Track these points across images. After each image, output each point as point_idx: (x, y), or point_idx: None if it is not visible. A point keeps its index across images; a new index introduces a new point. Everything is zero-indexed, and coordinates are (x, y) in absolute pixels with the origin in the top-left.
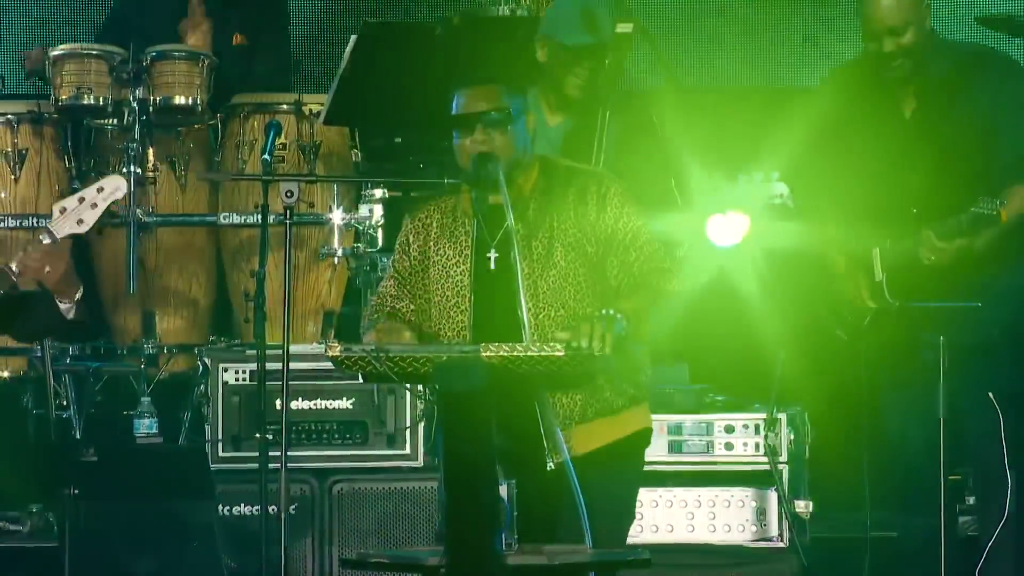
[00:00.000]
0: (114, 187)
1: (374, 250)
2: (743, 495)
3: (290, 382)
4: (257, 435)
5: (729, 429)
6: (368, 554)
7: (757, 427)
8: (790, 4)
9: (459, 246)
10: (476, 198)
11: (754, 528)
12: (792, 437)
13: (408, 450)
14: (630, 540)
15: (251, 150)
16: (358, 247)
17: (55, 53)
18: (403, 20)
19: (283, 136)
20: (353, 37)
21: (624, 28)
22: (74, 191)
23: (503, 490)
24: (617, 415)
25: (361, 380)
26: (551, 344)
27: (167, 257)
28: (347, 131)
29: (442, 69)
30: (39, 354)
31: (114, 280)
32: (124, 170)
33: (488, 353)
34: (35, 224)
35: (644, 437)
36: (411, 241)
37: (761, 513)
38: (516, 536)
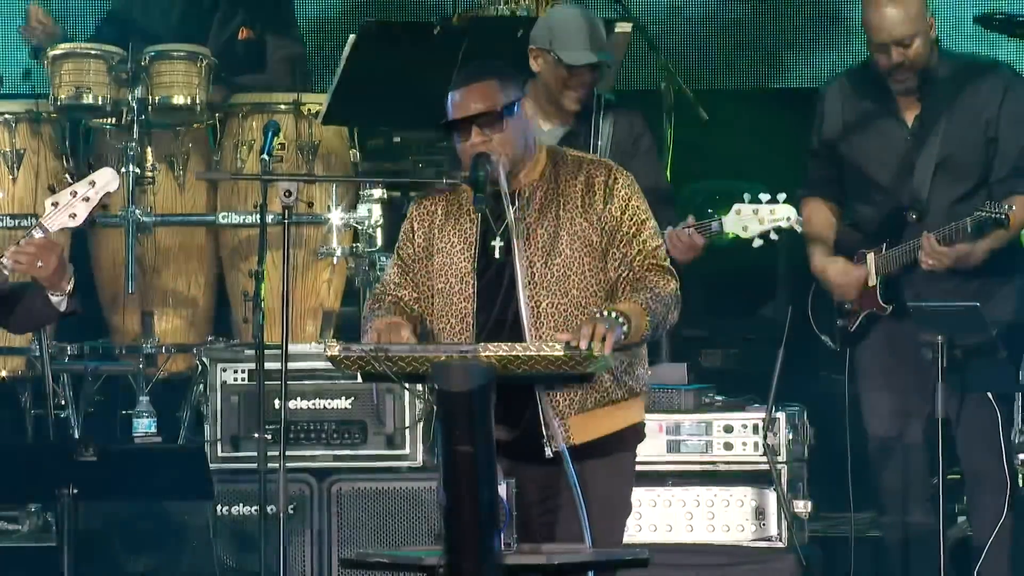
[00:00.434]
0: (106, 180)
1: (373, 250)
2: (742, 495)
3: (289, 382)
4: (256, 435)
5: (728, 429)
6: (367, 554)
7: (756, 427)
8: (790, 6)
9: (464, 234)
10: (476, 196)
11: (753, 528)
12: (791, 437)
13: (407, 450)
14: (629, 539)
15: (250, 150)
16: (357, 247)
17: (54, 52)
18: (402, 20)
19: (282, 136)
20: (352, 37)
21: (623, 28)
22: (66, 186)
23: (502, 490)
24: (616, 405)
25: (360, 380)
26: (550, 344)
27: (166, 257)
28: (346, 131)
29: (441, 69)
30: (37, 353)
31: (113, 280)
32: (123, 170)
33: (487, 352)
34: (33, 224)
35: (639, 432)
36: (415, 228)
37: (760, 513)
38: (515, 536)
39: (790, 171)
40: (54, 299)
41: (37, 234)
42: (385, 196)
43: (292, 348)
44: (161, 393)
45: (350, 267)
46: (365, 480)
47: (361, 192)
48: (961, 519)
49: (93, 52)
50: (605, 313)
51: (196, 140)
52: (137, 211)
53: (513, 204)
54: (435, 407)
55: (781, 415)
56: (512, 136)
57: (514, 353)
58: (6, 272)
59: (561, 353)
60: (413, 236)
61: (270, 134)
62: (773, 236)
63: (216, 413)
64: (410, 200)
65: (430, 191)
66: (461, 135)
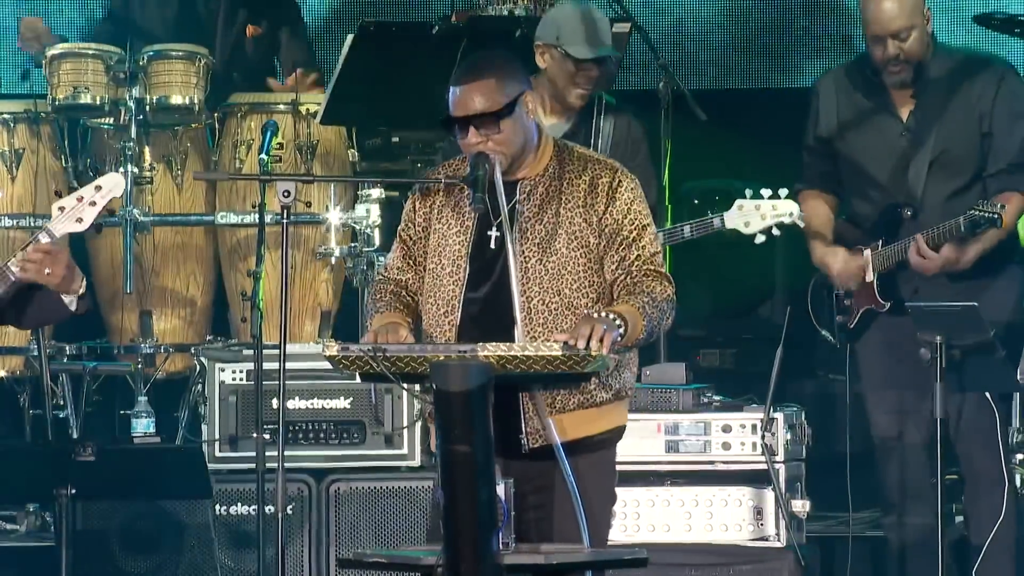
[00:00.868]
0: (112, 185)
1: (371, 249)
2: (740, 494)
3: (287, 381)
4: (254, 435)
5: (726, 429)
6: (365, 554)
7: (754, 427)
8: (789, 5)
9: (461, 217)
10: (474, 196)
11: (751, 527)
12: (789, 437)
13: (405, 449)
14: (627, 539)
15: (248, 150)
16: (355, 247)
17: (52, 52)
18: (400, 20)
19: (280, 136)
20: (350, 37)
21: (621, 28)
22: (72, 191)
23: (500, 489)
24: (599, 408)
25: (358, 379)
26: (548, 344)
27: (164, 257)
28: (344, 131)
29: (439, 69)
30: (36, 353)
31: (111, 280)
32: (121, 169)
33: (485, 352)
34: (32, 224)
35: (619, 433)
36: (416, 209)
37: (758, 512)
38: (513, 535)
39: (789, 171)
40: (65, 299)
41: (43, 239)
42: (383, 196)
43: (290, 348)
44: (159, 393)
45: (348, 267)
46: (363, 480)
47: (359, 192)
48: (959, 519)
49: (91, 52)
50: (602, 314)
51: (194, 140)
52: (135, 211)
53: (513, 195)
54: (432, 406)
55: (779, 415)
56: (511, 135)
57: (512, 353)
58: (13, 279)
59: (559, 353)
60: (415, 216)
61: (268, 134)
62: (775, 232)
63: (214, 413)
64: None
65: (431, 173)
66: (460, 132)
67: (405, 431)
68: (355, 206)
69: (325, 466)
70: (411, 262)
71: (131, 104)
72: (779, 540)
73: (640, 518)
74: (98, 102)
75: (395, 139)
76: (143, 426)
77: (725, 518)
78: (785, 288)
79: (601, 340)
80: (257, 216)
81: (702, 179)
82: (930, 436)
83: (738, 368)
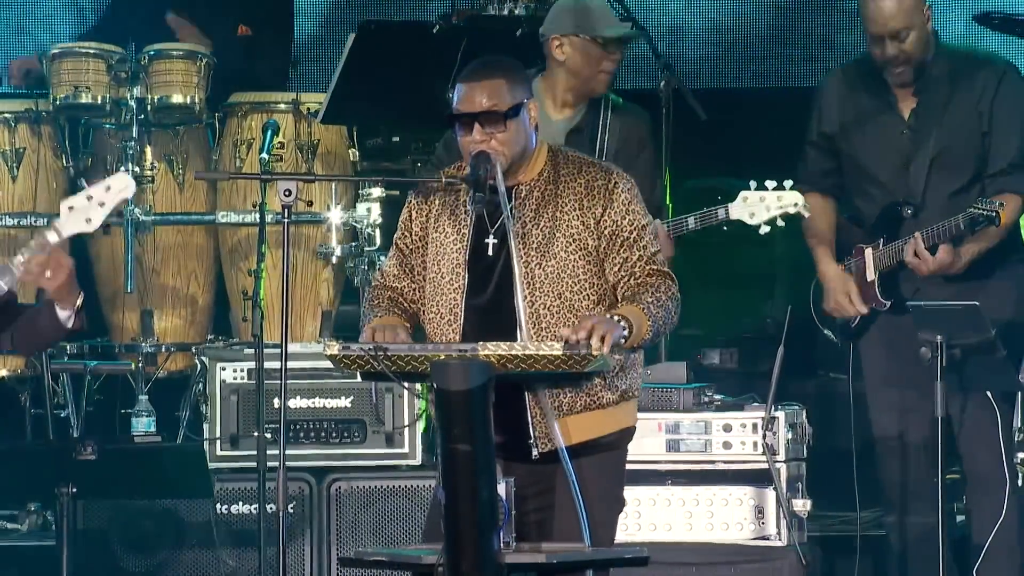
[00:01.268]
0: (123, 185)
1: (372, 249)
2: (741, 494)
3: (288, 381)
4: (255, 434)
5: (727, 428)
6: (366, 553)
7: (755, 426)
8: (789, 4)
9: (459, 225)
10: (475, 195)
11: (752, 527)
12: (790, 436)
13: (406, 448)
14: (628, 538)
15: (249, 149)
16: (356, 246)
17: (53, 51)
18: (401, 19)
19: (281, 135)
20: (351, 36)
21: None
22: (72, 189)
23: (501, 488)
24: (605, 410)
25: (359, 379)
26: (549, 343)
27: (165, 256)
28: (345, 130)
29: (440, 68)
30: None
31: (112, 279)
32: (122, 168)
33: (486, 351)
34: (33, 223)
35: (628, 435)
36: (413, 217)
37: (759, 512)
38: (514, 534)
39: (789, 169)
40: (61, 314)
41: (52, 238)
42: (384, 195)
43: (291, 347)
44: (160, 392)
45: (349, 266)
46: (364, 479)
47: (360, 191)
48: (961, 518)
49: (92, 51)
50: (606, 315)
51: (195, 139)
52: (136, 210)
53: (510, 201)
54: (434, 406)
55: (780, 414)
56: (514, 137)
57: (513, 352)
58: (15, 272)
59: (560, 352)
60: (411, 224)
61: (269, 133)
62: (780, 223)
63: (215, 412)
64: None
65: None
66: (463, 130)
67: (406, 430)
68: (356, 205)
69: (326, 465)
70: (407, 270)
71: (132, 103)
72: (780, 539)
73: (641, 517)
74: (99, 101)
75: (396, 138)
76: (144, 425)
77: (726, 517)
78: (786, 287)
79: (603, 339)
80: (258, 215)
81: (702, 178)
82: (931, 435)
83: (739, 367)
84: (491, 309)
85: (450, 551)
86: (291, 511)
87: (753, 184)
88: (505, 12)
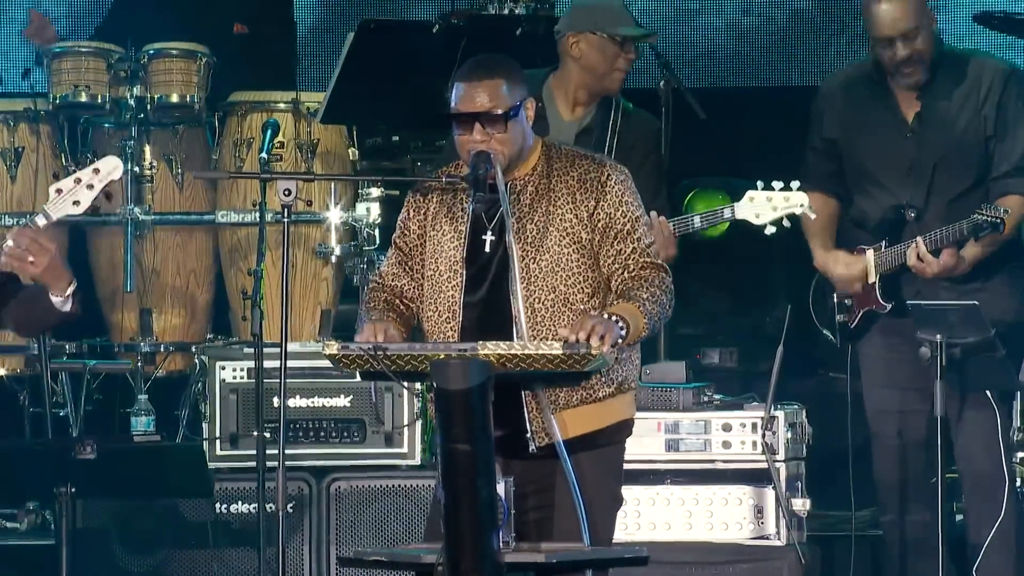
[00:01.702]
0: (111, 168)
1: (371, 248)
2: (740, 493)
3: (287, 380)
4: (254, 433)
5: (726, 427)
6: (366, 552)
7: (754, 425)
8: (789, 2)
9: (456, 222)
10: (475, 195)
11: (751, 526)
12: (789, 435)
13: (406, 448)
14: (628, 538)
15: (248, 148)
16: (355, 245)
17: (53, 50)
18: (401, 18)
19: (281, 134)
20: (350, 35)
21: None
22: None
23: (500, 488)
24: (602, 403)
25: (359, 378)
26: (548, 342)
27: (164, 255)
28: (344, 129)
29: (440, 67)
30: (36, 352)
31: (111, 278)
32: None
33: (485, 351)
34: (37, 211)
35: (627, 427)
36: (411, 216)
37: (758, 511)
38: (514, 534)
39: (789, 168)
40: (54, 299)
41: (40, 221)
42: (384, 195)
43: (291, 346)
44: (160, 391)
45: (348, 266)
46: (364, 478)
47: (360, 191)
48: (959, 518)
49: (91, 50)
50: (604, 315)
51: (195, 138)
52: (136, 209)
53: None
54: (434, 405)
55: (780, 413)
56: (513, 137)
57: (512, 351)
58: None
59: (559, 352)
60: (409, 224)
61: (269, 133)
62: (786, 223)
63: (215, 411)
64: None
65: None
66: (462, 128)
67: (405, 429)
68: (355, 205)
69: (325, 464)
70: (406, 268)
71: (131, 102)
72: (779, 539)
73: (640, 516)
74: (98, 100)
75: (395, 138)
76: (143, 424)
77: (725, 517)
78: (786, 286)
79: (602, 338)
80: (257, 215)
81: (701, 177)
82: (930, 435)
83: (739, 366)
84: (488, 306)
85: (449, 550)
86: (290, 510)
87: (760, 184)
88: (505, 11)
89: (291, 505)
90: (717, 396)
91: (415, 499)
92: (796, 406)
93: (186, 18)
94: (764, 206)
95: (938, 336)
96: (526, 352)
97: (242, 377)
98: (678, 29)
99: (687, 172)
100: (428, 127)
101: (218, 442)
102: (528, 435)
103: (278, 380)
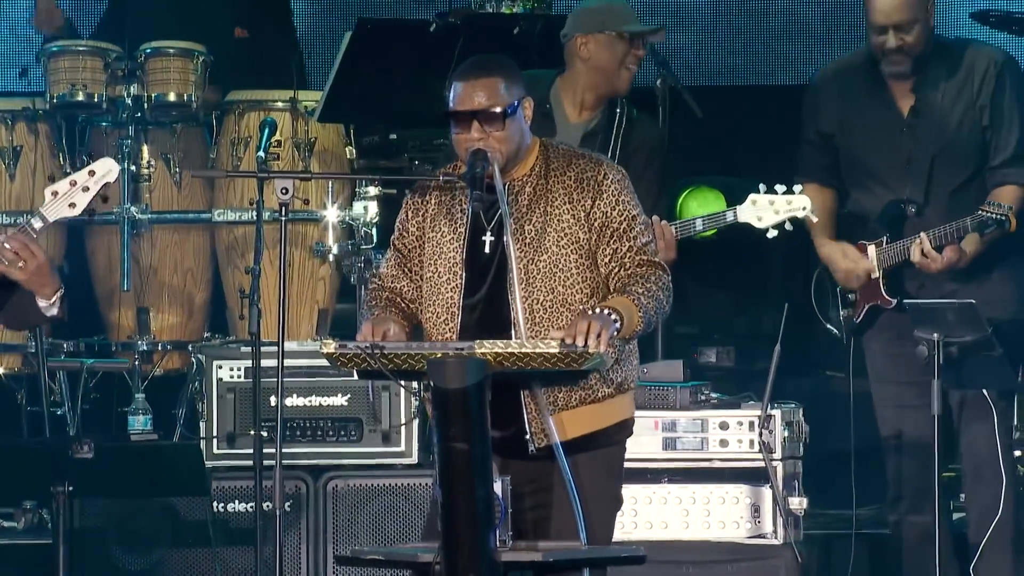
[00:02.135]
0: (106, 170)
1: (369, 247)
2: (737, 492)
3: (285, 379)
4: (252, 432)
5: (724, 426)
6: (363, 551)
7: (752, 424)
8: (788, 1)
9: (455, 224)
10: (472, 193)
11: (749, 525)
12: (786, 434)
13: (403, 447)
14: (625, 536)
15: (246, 147)
16: (353, 244)
17: (50, 50)
18: (398, 17)
19: (278, 133)
20: (348, 34)
21: None
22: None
23: (497, 487)
24: (602, 403)
25: (356, 377)
26: (545, 341)
27: (162, 254)
28: (342, 128)
29: (437, 66)
30: (33, 350)
31: (109, 276)
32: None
33: (482, 349)
34: (32, 213)
35: (627, 427)
36: (409, 218)
37: (755, 510)
38: (511, 533)
39: (786, 167)
40: (41, 303)
41: (36, 223)
42: (381, 193)
43: (288, 345)
44: (157, 390)
45: (346, 264)
46: (361, 477)
47: (357, 189)
48: (959, 515)
49: (89, 49)
50: (598, 310)
51: (192, 137)
52: (133, 208)
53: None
54: (430, 404)
55: (777, 412)
56: (510, 135)
57: (509, 350)
58: None
59: (556, 350)
60: (408, 226)
61: (266, 131)
62: (788, 227)
63: (212, 410)
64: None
65: (425, 184)
66: (459, 127)
67: (403, 428)
68: (353, 203)
69: (323, 463)
70: (405, 270)
71: (129, 101)
72: (776, 537)
73: (637, 515)
74: (96, 99)
75: (393, 136)
76: (141, 423)
77: (723, 515)
78: (783, 285)
79: (599, 337)
80: (255, 213)
81: (696, 176)
82: (930, 432)
83: (736, 365)
84: (487, 306)
85: (446, 549)
86: (287, 509)
87: (762, 188)
88: (502, 10)
89: (288, 504)
90: (714, 395)
91: (412, 498)
92: (793, 405)
93: (184, 17)
94: (766, 209)
95: (935, 335)
96: (523, 351)
97: (239, 376)
98: (675, 27)
99: (684, 171)
100: (426, 126)
101: (215, 441)
102: (528, 436)
103: (275, 379)
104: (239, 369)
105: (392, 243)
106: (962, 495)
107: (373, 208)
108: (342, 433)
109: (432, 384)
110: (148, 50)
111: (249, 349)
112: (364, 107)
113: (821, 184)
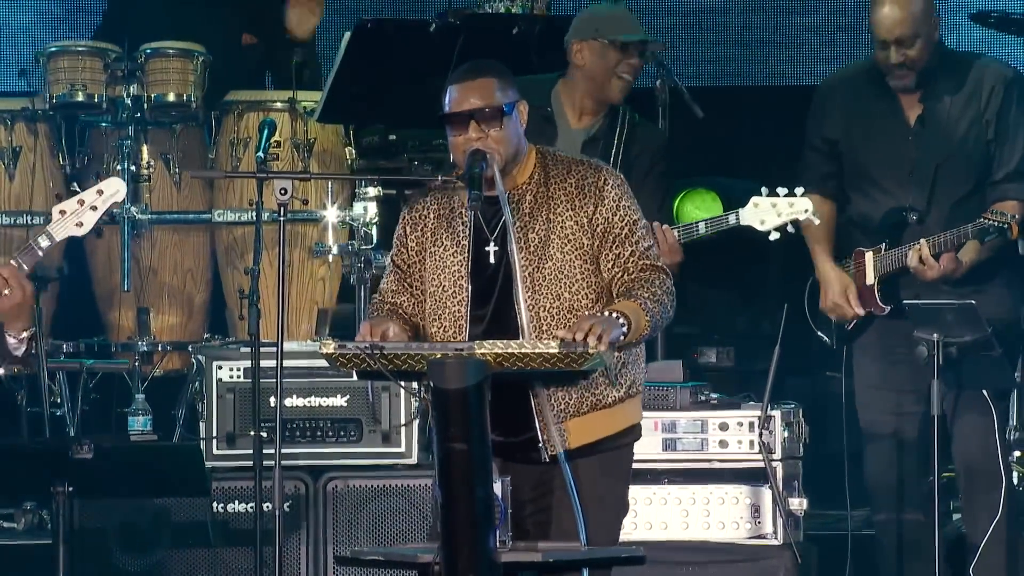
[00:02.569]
0: (114, 190)
1: (368, 247)
2: (737, 492)
3: (284, 379)
4: (251, 432)
5: (723, 426)
6: (362, 551)
7: (751, 424)
8: (787, 2)
9: (457, 237)
10: (471, 193)
11: (748, 525)
12: (786, 435)
13: (403, 447)
14: (624, 537)
15: (245, 148)
16: (352, 244)
17: (49, 50)
18: (398, 17)
19: (277, 134)
20: (347, 34)
21: None
22: (69, 189)
23: (497, 487)
24: (611, 409)
25: (355, 377)
26: (545, 341)
27: (161, 254)
28: (341, 128)
29: (437, 66)
30: (33, 351)
31: (108, 277)
32: (118, 167)
33: (482, 350)
34: (29, 221)
35: (635, 432)
36: (408, 233)
37: (755, 510)
38: (510, 533)
39: (785, 168)
40: (9, 339)
41: (43, 242)
42: (380, 194)
43: (288, 346)
44: (157, 391)
45: (345, 265)
46: (360, 478)
47: (357, 190)
48: (956, 517)
49: (88, 49)
50: (605, 313)
51: (192, 138)
52: (133, 209)
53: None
54: (430, 404)
55: (777, 413)
56: (507, 136)
57: (509, 350)
58: None
59: (556, 350)
60: (406, 241)
61: (266, 132)
62: (790, 229)
63: (211, 411)
64: (405, 198)
65: (420, 193)
66: (456, 129)
67: (402, 429)
68: (352, 204)
69: (322, 464)
70: (405, 285)
71: (128, 102)
72: (776, 538)
73: (637, 516)
74: (96, 99)
75: (392, 137)
76: (140, 424)
77: (722, 516)
78: (783, 286)
79: (600, 337)
80: (254, 214)
81: (695, 177)
82: (926, 435)
83: (735, 366)
84: (495, 317)
85: (446, 549)
86: (287, 510)
87: (765, 190)
88: (502, 10)
89: (288, 504)
90: (714, 395)
91: (412, 498)
92: (793, 405)
93: (183, 17)
94: (768, 212)
95: (935, 335)
96: (523, 351)
97: (239, 376)
98: (675, 28)
99: (684, 172)
100: (425, 126)
101: (215, 441)
102: (540, 444)
103: (275, 379)
104: (239, 369)
105: (391, 259)
106: (960, 496)
107: (373, 208)
108: (342, 433)
109: (432, 384)
110: (148, 51)
111: (248, 349)
112: (363, 107)
113: (823, 195)
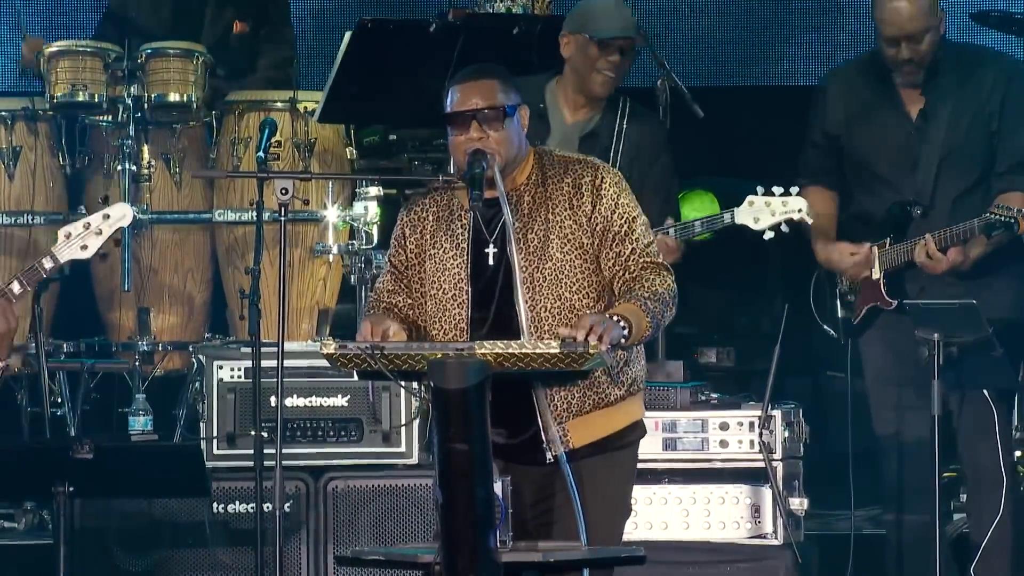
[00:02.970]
0: (120, 215)
1: (369, 247)
2: (737, 492)
3: (285, 379)
4: (252, 432)
5: (724, 426)
6: (363, 551)
7: (752, 424)
8: (787, 1)
9: (456, 239)
10: (472, 193)
11: (749, 525)
12: (786, 434)
13: (403, 447)
14: (625, 537)
15: (246, 147)
16: (353, 244)
17: (50, 50)
18: (398, 17)
19: (278, 133)
20: (348, 34)
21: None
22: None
23: (497, 487)
24: (614, 407)
25: (356, 377)
26: (546, 341)
27: (162, 254)
28: (342, 128)
29: (437, 66)
30: (34, 351)
31: (109, 277)
32: (119, 167)
33: (483, 350)
34: (29, 222)
35: (639, 429)
36: (407, 235)
37: (756, 510)
38: (511, 533)
39: (786, 167)
40: None
41: (47, 263)
42: (381, 193)
43: (288, 346)
44: (157, 390)
45: (346, 264)
46: (361, 478)
47: (357, 189)
48: (959, 516)
49: (89, 49)
50: (607, 315)
51: (192, 137)
52: (133, 209)
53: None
54: (431, 405)
55: (777, 412)
56: (509, 136)
57: (510, 350)
58: None
59: (556, 350)
60: (405, 243)
61: (266, 132)
62: (784, 228)
63: (212, 411)
64: (406, 198)
65: (419, 194)
66: (458, 129)
67: (403, 429)
68: (353, 203)
69: (323, 464)
70: (402, 285)
71: (129, 102)
72: (777, 538)
73: (638, 516)
74: (96, 100)
75: (393, 137)
76: (141, 424)
77: (723, 516)
78: (783, 286)
79: (600, 337)
80: (255, 214)
81: (699, 176)
82: (930, 433)
83: (736, 366)
84: (496, 319)
85: (446, 549)
86: (288, 510)
87: (760, 189)
88: (502, 10)
89: (288, 504)
90: (714, 395)
91: (412, 498)
92: (793, 405)
93: (184, 18)
94: (763, 211)
95: (935, 335)
96: (523, 351)
97: (239, 376)
98: (676, 27)
99: (683, 172)
100: (426, 126)
101: (215, 441)
102: (544, 444)
103: (275, 379)
104: (239, 369)
105: (388, 259)
106: (962, 496)
107: (373, 208)
108: (342, 433)
109: (432, 384)
110: (148, 51)
111: (249, 349)
112: (364, 107)
113: (825, 187)
